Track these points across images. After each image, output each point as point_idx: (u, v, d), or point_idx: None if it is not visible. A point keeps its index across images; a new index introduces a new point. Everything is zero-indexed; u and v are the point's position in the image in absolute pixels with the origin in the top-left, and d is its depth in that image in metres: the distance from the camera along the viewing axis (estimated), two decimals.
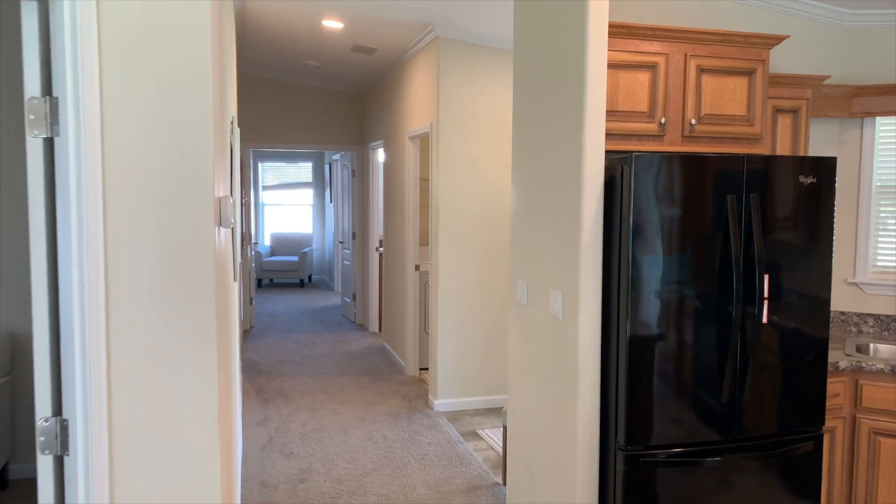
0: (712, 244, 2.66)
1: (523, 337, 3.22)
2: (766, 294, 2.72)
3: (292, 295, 10.92)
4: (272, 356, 6.94)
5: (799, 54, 3.58)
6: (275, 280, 11.90)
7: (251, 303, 8.31)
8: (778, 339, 2.78)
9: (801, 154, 3.39)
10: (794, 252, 2.77)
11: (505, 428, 3.82)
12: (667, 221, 2.62)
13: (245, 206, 8.00)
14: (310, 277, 12.28)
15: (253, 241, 8.81)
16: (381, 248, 8.10)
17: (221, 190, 1.92)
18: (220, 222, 1.79)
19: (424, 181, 7.13)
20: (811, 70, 3.63)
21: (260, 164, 12.43)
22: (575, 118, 2.71)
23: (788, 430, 2.82)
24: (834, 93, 3.54)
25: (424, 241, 7.15)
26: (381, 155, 8.17)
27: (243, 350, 7.14)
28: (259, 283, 11.77)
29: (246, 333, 8.01)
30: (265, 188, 12.56)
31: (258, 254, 11.52)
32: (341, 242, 9.18)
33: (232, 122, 3.30)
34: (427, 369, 6.37)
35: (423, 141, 7.01)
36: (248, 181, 8.09)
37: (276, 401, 5.48)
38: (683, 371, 2.67)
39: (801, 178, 2.78)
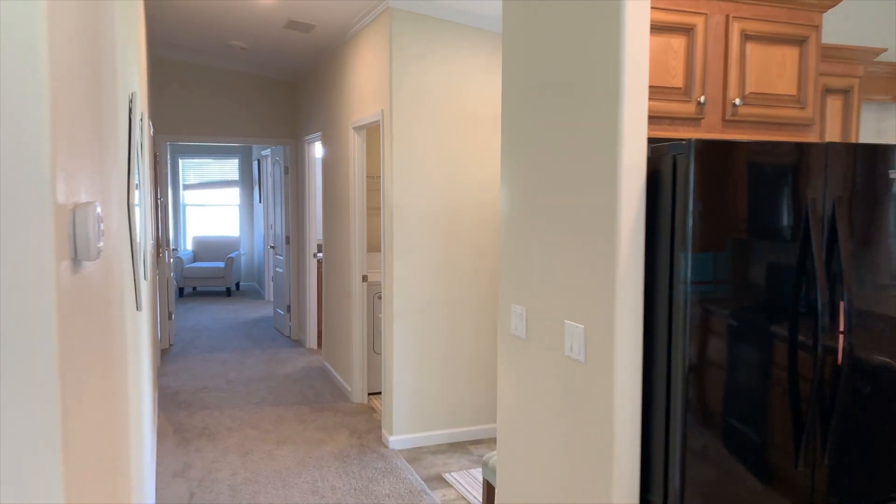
0: (787, 258, 2.00)
1: (521, 380, 2.49)
2: (854, 321, 2.07)
3: (218, 305, 9.91)
4: (194, 381, 6.00)
5: (848, 23, 2.97)
6: (198, 288, 10.84)
7: (170, 318, 7.31)
8: (873, 380, 2.14)
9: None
10: (887, 267, 2.14)
11: (487, 483, 3.09)
12: (735, 230, 1.93)
13: (161, 207, 7.01)
14: (237, 285, 11.25)
15: (171, 246, 7.81)
16: (320, 255, 7.25)
17: (86, 193, 1.11)
18: (76, 248, 0.98)
19: (373, 179, 6.32)
20: (861, 42, 3.02)
21: (180, 161, 11.32)
22: (606, 89, 1.99)
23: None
24: (882, 71, 2.95)
25: (373, 247, 6.34)
26: (318, 149, 7.31)
27: (159, 375, 6.17)
28: (180, 292, 10.68)
29: (164, 353, 7.01)
30: (187, 187, 11.46)
31: (179, 260, 10.43)
32: (273, 247, 8.27)
33: (132, 101, 2.45)
34: (377, 394, 5.57)
35: (372, 131, 6.20)
36: (163, 179, 7.10)
37: (199, 441, 4.59)
38: (769, 430, 1.99)
39: (892, 174, 2.15)
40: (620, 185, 1.96)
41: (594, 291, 2.06)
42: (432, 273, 4.51)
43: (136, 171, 2.89)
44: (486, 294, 4.64)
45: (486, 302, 4.65)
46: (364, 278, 5.35)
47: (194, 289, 10.95)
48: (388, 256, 4.51)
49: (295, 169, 7.51)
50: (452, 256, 4.55)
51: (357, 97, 5.15)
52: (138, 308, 2.66)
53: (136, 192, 2.87)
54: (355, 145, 5.27)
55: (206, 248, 11.14)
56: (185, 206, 11.46)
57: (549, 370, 2.31)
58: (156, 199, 6.59)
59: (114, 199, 1.74)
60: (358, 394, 5.43)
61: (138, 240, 2.77)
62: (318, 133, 6.43)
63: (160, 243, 6.84)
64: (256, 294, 10.87)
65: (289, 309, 7.73)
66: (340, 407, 5.31)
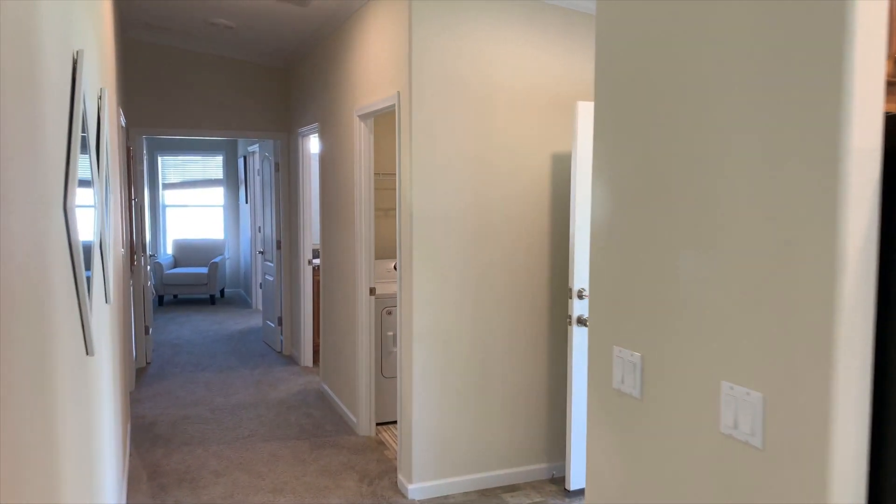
0: None
1: (633, 456, 1.76)
2: None
3: (201, 315, 9.10)
4: (174, 409, 5.22)
5: None
6: (179, 296, 10.02)
7: (147, 332, 6.51)
8: None
9: None
10: None
11: None
12: None
13: (137, 208, 6.23)
14: (222, 292, 10.44)
15: (148, 252, 7.02)
16: (317, 261, 6.49)
17: None
18: None
19: (381, 176, 5.57)
20: None
21: (160, 158, 10.49)
22: (826, 37, 1.26)
23: None
24: None
25: (382, 254, 5.60)
26: (314, 144, 6.55)
27: (134, 401, 5.38)
28: (160, 300, 9.85)
29: (140, 374, 6.22)
30: (167, 186, 10.63)
31: (158, 265, 9.61)
32: (262, 253, 7.49)
33: (77, 62, 1.72)
34: (387, 424, 4.82)
35: (382, 120, 5.44)
36: (138, 177, 6.30)
37: (179, 491, 3.82)
38: None
39: None
40: (846, 179, 1.23)
41: (786, 341, 1.33)
42: (459, 287, 3.77)
43: (96, 163, 2.12)
44: (527, 313, 3.91)
45: (526, 323, 3.92)
46: (371, 291, 4.60)
47: (175, 297, 10.13)
48: (405, 268, 3.77)
49: (287, 165, 6.74)
50: (484, 268, 3.81)
51: (365, 80, 4.40)
52: (88, 352, 1.89)
53: (97, 190, 2.11)
54: (361, 137, 4.52)
55: (187, 253, 10.32)
56: (164, 206, 10.63)
57: (688, 450, 1.58)
58: (129, 199, 5.80)
59: (16, 198, 0.99)
60: (365, 425, 4.68)
61: (99, 250, 2.00)
62: (315, 125, 5.67)
63: (135, 249, 6.05)
64: (243, 302, 10.07)
65: (280, 321, 6.96)
66: (345, 442, 4.56)
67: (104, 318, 2.55)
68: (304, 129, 6.01)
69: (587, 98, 3.95)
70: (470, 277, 3.79)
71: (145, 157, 6.95)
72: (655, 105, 1.66)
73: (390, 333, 4.89)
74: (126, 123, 5.73)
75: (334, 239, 5.23)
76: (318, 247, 6.94)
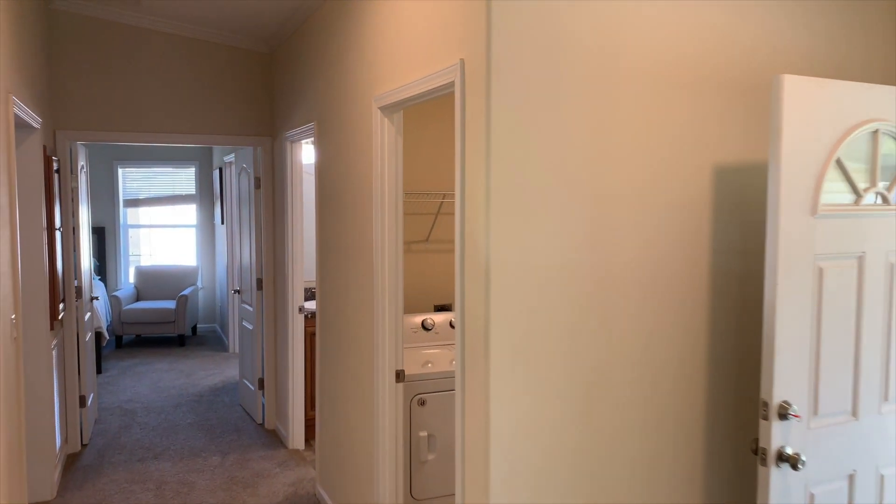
0: None
1: None
2: None
3: (166, 362, 7.44)
4: None
5: None
6: (142, 336, 8.35)
7: (83, 404, 4.86)
8: None
9: None
10: None
11: None
12: None
13: (65, 236, 4.63)
14: (194, 329, 8.78)
15: (92, 295, 5.38)
16: (310, 306, 4.88)
17: None
18: None
19: (415, 197, 3.95)
20: None
21: (120, 170, 8.84)
22: None
23: None
24: None
25: (413, 307, 4.01)
26: (307, 152, 4.96)
27: None
28: (117, 341, 8.17)
29: (70, 466, 4.57)
30: (128, 203, 8.98)
31: (115, 300, 7.94)
32: (238, 292, 5.86)
33: None
34: None
35: (415, 113, 3.71)
36: (71, 195, 4.66)
37: None
38: None
39: None
40: None
41: None
42: (564, 396, 2.18)
43: None
44: (671, 441, 2.33)
45: (673, 459, 2.34)
46: (399, 376, 3.01)
47: (138, 336, 8.47)
48: (472, 356, 2.17)
49: (270, 180, 5.14)
50: (602, 361, 2.23)
51: (392, 53, 2.82)
52: None
53: None
54: (385, 138, 2.94)
55: (152, 283, 8.66)
56: (125, 227, 8.98)
57: None
58: (50, 226, 4.18)
59: None
60: None
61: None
62: (309, 125, 4.08)
63: (59, 290, 4.42)
64: (217, 342, 8.41)
65: (261, 384, 5.33)
66: None
67: None
68: (294, 132, 4.42)
69: (792, 72, 2.39)
70: (579, 379, 2.20)
71: (86, 168, 5.33)
72: None
73: (424, 434, 3.29)
74: (43, 125, 4.11)
75: (338, 285, 3.63)
76: (311, 285, 5.33)
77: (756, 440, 2.18)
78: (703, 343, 2.37)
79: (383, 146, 2.94)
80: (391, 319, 2.99)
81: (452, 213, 4.10)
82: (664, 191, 2.27)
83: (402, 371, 3.01)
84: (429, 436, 3.30)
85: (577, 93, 2.13)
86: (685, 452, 2.37)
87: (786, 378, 2.11)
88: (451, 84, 2.25)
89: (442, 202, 4.04)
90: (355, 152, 3.28)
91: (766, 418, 2.13)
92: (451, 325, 3.86)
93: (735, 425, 2.44)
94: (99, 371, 6.79)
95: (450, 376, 3.34)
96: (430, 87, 2.41)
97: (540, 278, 2.12)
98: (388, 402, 3.02)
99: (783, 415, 2.12)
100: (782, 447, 2.12)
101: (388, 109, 2.89)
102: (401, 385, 3.04)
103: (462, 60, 2.16)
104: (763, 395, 2.13)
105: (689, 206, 2.31)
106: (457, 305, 2.26)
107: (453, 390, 3.35)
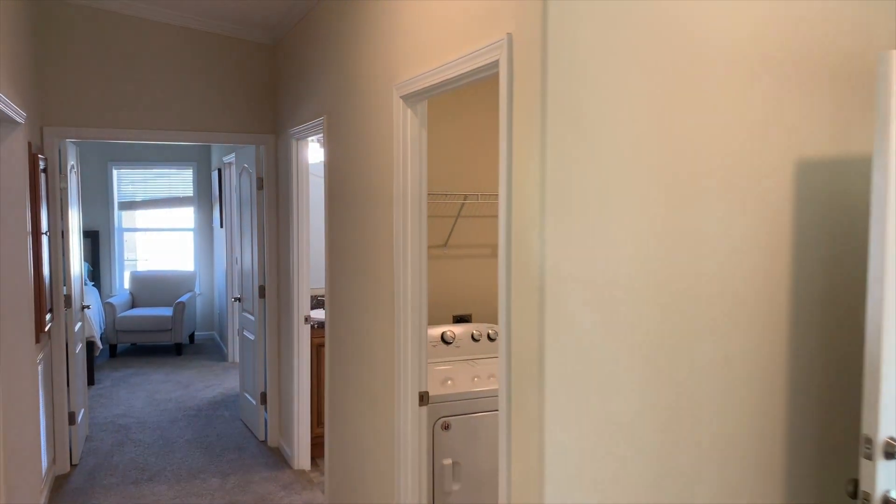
0: None
1: None
2: None
3: (162, 372, 7.10)
4: None
5: None
6: (138, 344, 8.01)
7: (72, 421, 4.53)
8: None
9: None
10: None
11: None
12: None
13: (53, 240, 4.31)
14: (191, 337, 8.44)
15: (83, 303, 5.04)
16: (317, 315, 4.55)
17: None
18: None
19: (441, 199, 3.61)
20: None
21: (114, 171, 8.51)
22: None
23: None
24: None
25: (431, 318, 3.67)
26: (313, 150, 4.63)
27: None
28: (112, 350, 7.83)
29: (57, 489, 4.23)
30: (123, 206, 8.65)
31: (109, 307, 7.60)
32: (238, 300, 5.53)
33: None
34: None
35: (443, 103, 3.32)
36: (60, 196, 4.32)
37: None
38: None
39: None
40: None
41: None
42: (636, 434, 1.86)
43: None
44: (761, 484, 2.01)
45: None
46: (422, 398, 2.68)
47: (133, 345, 8.12)
48: (522, 397, 1.84)
49: (274, 181, 4.81)
50: (678, 392, 1.90)
51: (418, 33, 2.50)
52: None
53: None
54: (407, 130, 2.62)
55: (148, 289, 8.32)
56: (120, 231, 8.64)
57: None
58: (36, 231, 3.86)
59: None
60: None
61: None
62: (319, 120, 3.75)
63: (45, 299, 4.10)
64: (216, 351, 8.07)
65: (264, 399, 5.00)
66: None
67: None
68: (300, 128, 4.10)
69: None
70: (654, 411, 1.88)
71: (77, 168, 5.04)
72: None
73: (448, 462, 2.96)
74: (28, 120, 3.79)
75: (352, 295, 3.31)
76: (317, 293, 5.01)
77: (855, 481, 1.85)
78: (783, 366, 2.04)
79: (406, 141, 2.62)
80: (414, 334, 2.66)
81: (473, 216, 3.77)
82: (745, 189, 1.94)
83: (427, 393, 2.68)
84: (454, 463, 2.97)
85: (647, 74, 1.80)
86: (765, 494, 2.04)
87: (894, 411, 1.79)
88: (494, 64, 1.93)
89: (463, 203, 3.72)
90: (373, 148, 2.96)
91: (869, 458, 1.80)
92: (474, 338, 3.53)
93: (822, 462, 2.11)
94: (91, 382, 6.45)
95: (476, 397, 3.02)
96: (466, 70, 2.08)
97: (606, 291, 1.79)
98: (410, 428, 2.69)
99: (890, 454, 1.79)
100: (888, 492, 1.80)
101: (411, 98, 2.57)
102: (425, 408, 2.71)
103: (509, 35, 1.84)
104: (865, 431, 1.81)
105: (769, 206, 1.98)
106: (501, 323, 1.93)
107: (480, 413, 3.02)
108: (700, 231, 1.89)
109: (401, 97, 2.60)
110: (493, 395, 3.04)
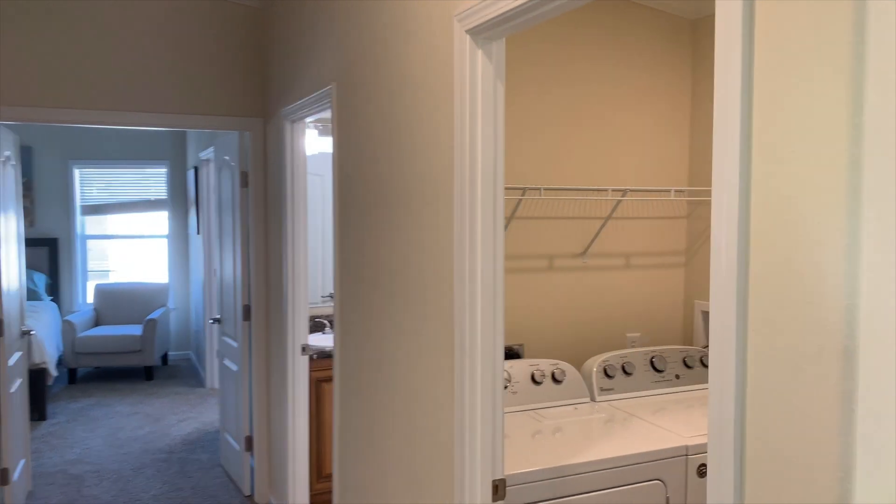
0: None
1: None
2: None
3: (128, 403, 6.11)
4: None
5: None
6: (102, 367, 7.00)
7: (6, 480, 3.56)
8: None
9: None
10: None
11: None
12: None
13: None
14: (164, 358, 7.45)
15: (23, 329, 4.06)
16: (315, 342, 3.63)
17: None
18: None
19: (522, 194, 2.71)
20: None
21: (76, 171, 7.51)
22: None
23: None
24: None
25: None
26: (312, 138, 3.72)
27: None
28: (71, 375, 6.81)
29: None
30: (86, 210, 7.65)
31: (68, 325, 6.60)
32: (217, 321, 4.57)
33: None
34: None
35: (520, 58, 2.31)
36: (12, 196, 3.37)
37: None
38: None
39: None
40: None
41: None
42: None
43: None
44: None
45: None
46: (496, 489, 1.77)
47: (96, 368, 7.11)
48: None
49: (262, 174, 3.89)
50: None
51: None
52: None
53: None
54: (477, 84, 1.72)
55: (115, 304, 7.32)
56: (83, 237, 7.64)
57: None
58: None
59: None
60: None
61: None
62: (325, 90, 2.84)
63: None
64: (192, 375, 7.09)
65: (249, 444, 4.06)
66: None
67: None
68: (297, 104, 3.18)
69: None
70: None
71: (53, 170, 4.14)
72: None
73: None
74: None
75: (380, 324, 2.40)
76: (315, 312, 4.09)
77: None
78: None
79: (475, 100, 1.72)
80: (486, 392, 1.76)
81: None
82: None
83: (503, 482, 1.78)
84: None
85: None
86: None
87: None
88: None
89: (620, 200, 2.86)
90: (414, 120, 2.06)
91: None
92: (534, 381, 2.64)
93: None
94: (42, 418, 5.47)
95: (560, 475, 2.11)
96: None
97: None
98: None
99: None
100: None
101: (485, 33, 1.67)
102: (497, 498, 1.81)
103: None
104: None
105: None
106: (718, 391, 1.04)
107: (571, 497, 2.12)
108: None
109: (467, 31, 1.70)
110: (597, 468, 2.14)
